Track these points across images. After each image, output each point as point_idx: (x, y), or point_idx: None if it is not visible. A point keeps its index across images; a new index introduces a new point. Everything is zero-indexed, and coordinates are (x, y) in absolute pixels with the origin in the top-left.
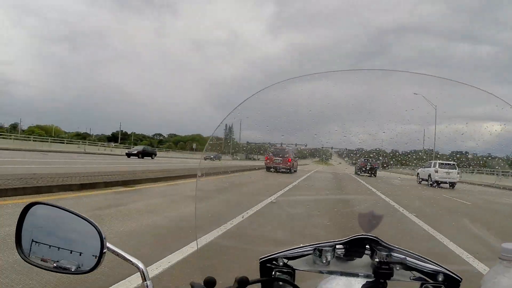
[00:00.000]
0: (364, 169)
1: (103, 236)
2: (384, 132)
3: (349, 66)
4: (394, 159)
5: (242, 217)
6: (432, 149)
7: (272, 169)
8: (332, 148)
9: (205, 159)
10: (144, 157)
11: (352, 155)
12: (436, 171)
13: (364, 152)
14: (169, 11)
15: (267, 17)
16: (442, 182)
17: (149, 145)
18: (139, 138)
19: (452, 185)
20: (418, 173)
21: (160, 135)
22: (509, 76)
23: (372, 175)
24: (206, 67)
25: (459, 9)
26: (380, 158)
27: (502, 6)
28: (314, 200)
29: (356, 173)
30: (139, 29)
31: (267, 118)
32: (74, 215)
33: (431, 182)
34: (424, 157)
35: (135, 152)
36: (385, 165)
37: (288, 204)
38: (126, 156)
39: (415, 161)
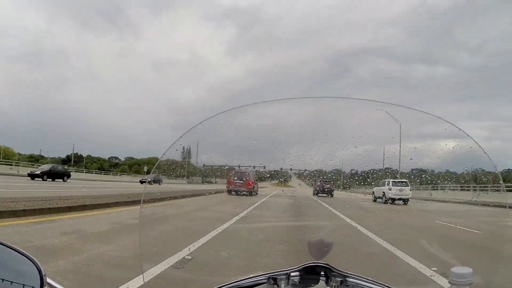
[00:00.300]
0: (321, 190)
1: (43, 272)
2: (343, 153)
3: (310, 88)
4: (354, 179)
5: (194, 246)
6: (390, 168)
7: (233, 192)
8: (291, 169)
9: (141, 182)
10: (55, 179)
11: (311, 176)
12: (390, 189)
13: (323, 172)
14: (132, 32)
15: (228, 40)
16: (396, 199)
17: (62, 164)
18: (94, 161)
19: (405, 201)
20: (373, 192)
21: (116, 158)
22: (464, 95)
23: (329, 195)
24: (167, 89)
25: (417, 32)
26: (341, 178)
27: (457, 29)
28: (270, 227)
29: (314, 194)
30: (101, 50)
31: (225, 141)
32: (9, 248)
33: (385, 199)
34: (383, 175)
35: (39, 172)
36: (346, 186)
37: (244, 231)
38: (30, 178)
39: (375, 180)
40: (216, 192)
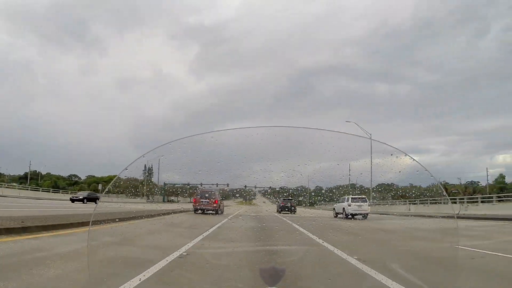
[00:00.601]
0: (284, 207)
1: None
2: (305, 170)
3: (275, 106)
4: (320, 196)
5: (146, 275)
6: (354, 184)
7: (199, 211)
8: (255, 187)
9: (72, 200)
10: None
11: (275, 193)
12: (349, 205)
13: (287, 189)
14: (97, 49)
15: (192, 59)
16: (355, 214)
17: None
18: (52, 179)
19: (365, 216)
20: (334, 208)
21: (75, 176)
22: (425, 111)
23: (292, 212)
24: (131, 106)
25: (378, 52)
26: (306, 195)
27: (417, 49)
28: (231, 252)
29: (277, 211)
30: (65, 65)
31: (188, 162)
32: None
33: (345, 215)
34: (347, 191)
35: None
36: (312, 202)
37: (201, 258)
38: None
39: (341, 196)
40: (176, 212)
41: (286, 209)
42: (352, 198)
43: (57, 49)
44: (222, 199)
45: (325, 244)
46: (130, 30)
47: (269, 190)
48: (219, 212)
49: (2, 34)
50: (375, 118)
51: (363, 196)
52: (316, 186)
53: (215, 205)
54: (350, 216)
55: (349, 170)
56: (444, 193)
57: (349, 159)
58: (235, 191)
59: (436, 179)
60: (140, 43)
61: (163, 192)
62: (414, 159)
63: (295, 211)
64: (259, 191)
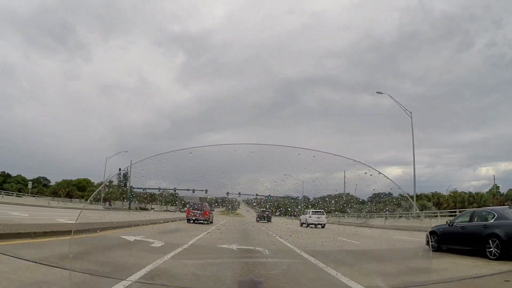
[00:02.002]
0: (262, 217)
1: None
2: (287, 183)
3: (259, 115)
4: (302, 205)
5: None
6: (344, 193)
7: (191, 221)
8: (239, 194)
9: None
10: None
11: (260, 203)
12: (310, 217)
13: (272, 198)
14: (81, 54)
15: (177, 66)
16: (315, 224)
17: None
18: (18, 181)
19: (323, 225)
20: (300, 219)
21: (45, 178)
22: (405, 124)
23: (268, 221)
24: (113, 113)
25: (362, 63)
26: (289, 208)
27: (401, 60)
28: (212, 264)
29: (256, 220)
30: (48, 69)
31: (172, 172)
32: None
33: (307, 224)
34: (337, 201)
35: None
36: (294, 214)
37: (185, 268)
38: None
39: (336, 205)
40: (158, 222)
41: (263, 219)
42: (312, 211)
43: (40, 53)
44: (211, 211)
45: (305, 255)
46: (115, 36)
47: (253, 200)
48: (209, 221)
49: None
50: (358, 130)
51: (321, 210)
52: (304, 196)
53: (206, 215)
54: (312, 226)
55: (323, 186)
56: (414, 208)
57: (326, 174)
58: (218, 200)
59: (406, 193)
60: (125, 50)
61: (130, 197)
62: (388, 178)
63: (270, 220)
64: (243, 201)
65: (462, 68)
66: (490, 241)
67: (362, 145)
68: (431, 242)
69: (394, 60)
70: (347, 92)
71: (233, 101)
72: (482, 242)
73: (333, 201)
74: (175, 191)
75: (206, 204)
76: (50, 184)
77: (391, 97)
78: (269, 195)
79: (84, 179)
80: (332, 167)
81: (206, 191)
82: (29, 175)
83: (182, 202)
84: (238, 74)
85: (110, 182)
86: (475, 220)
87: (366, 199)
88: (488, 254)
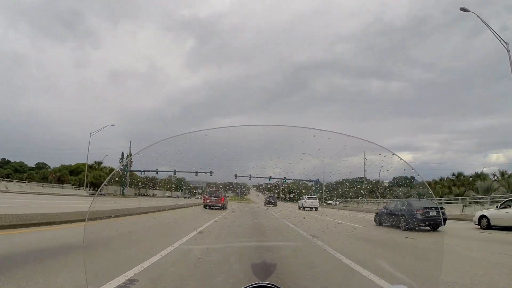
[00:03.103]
0: (269, 202)
1: None
2: (298, 166)
3: (268, 100)
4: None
5: (142, 266)
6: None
7: (207, 206)
8: (250, 177)
9: None
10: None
11: (269, 189)
12: (305, 202)
13: (286, 183)
14: (90, 40)
15: (187, 52)
16: (309, 207)
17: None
18: (15, 168)
19: (316, 208)
20: (298, 203)
21: (45, 164)
22: (415, 109)
23: (274, 205)
24: (123, 99)
25: (371, 48)
26: (286, 192)
27: (411, 46)
28: (225, 247)
29: (264, 205)
30: (58, 57)
31: (181, 157)
32: None
33: (303, 208)
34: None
35: None
36: (294, 198)
37: (195, 251)
38: None
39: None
40: (168, 209)
41: (270, 203)
42: (307, 197)
43: (49, 41)
44: (226, 197)
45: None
46: (124, 21)
47: (264, 185)
48: (225, 207)
49: None
50: (366, 115)
51: (315, 196)
52: (317, 180)
53: (222, 202)
54: (308, 209)
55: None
56: (430, 191)
57: (341, 157)
58: (227, 185)
59: (422, 177)
60: (134, 36)
61: (123, 182)
62: (401, 159)
63: (276, 205)
64: (253, 186)
65: (473, 54)
66: None
67: (371, 130)
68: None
69: (404, 46)
70: (356, 77)
71: (242, 86)
72: None
73: (349, 186)
74: (175, 173)
75: (221, 191)
76: (49, 170)
77: (481, 19)
78: (285, 178)
79: (82, 164)
80: (349, 151)
81: (211, 173)
82: (31, 162)
83: (189, 187)
84: (248, 59)
85: (122, 168)
86: None
87: (386, 184)
88: None
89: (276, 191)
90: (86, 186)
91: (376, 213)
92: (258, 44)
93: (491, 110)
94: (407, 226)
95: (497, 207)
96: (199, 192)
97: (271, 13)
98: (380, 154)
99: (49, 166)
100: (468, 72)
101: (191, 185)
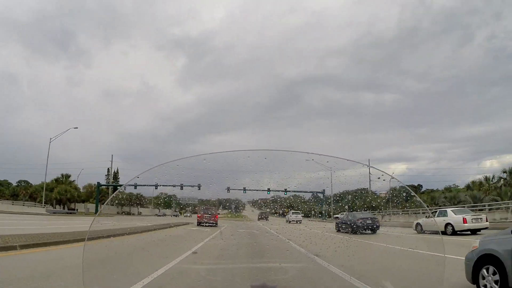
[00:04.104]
0: (261, 217)
1: None
2: (290, 183)
3: (262, 115)
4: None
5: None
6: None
7: (202, 224)
8: (245, 190)
9: None
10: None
11: (266, 204)
12: (291, 216)
13: (278, 198)
14: (83, 59)
15: (179, 70)
16: (294, 221)
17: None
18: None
19: (300, 222)
20: (286, 218)
21: (26, 182)
22: (412, 120)
23: (266, 220)
24: (116, 118)
25: (363, 61)
26: (276, 207)
27: (402, 57)
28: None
29: (258, 219)
30: (50, 76)
31: (180, 180)
32: None
33: (289, 221)
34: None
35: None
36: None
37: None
38: None
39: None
40: (162, 227)
41: (263, 218)
42: (293, 212)
43: (42, 60)
44: (218, 213)
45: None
46: (116, 41)
47: (258, 200)
48: (217, 224)
49: None
50: (359, 128)
51: (299, 211)
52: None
53: (216, 219)
54: (293, 222)
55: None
56: (424, 205)
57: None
58: (222, 201)
59: (417, 197)
60: (126, 55)
61: (97, 198)
62: (399, 182)
63: (267, 219)
64: (248, 201)
65: (463, 62)
66: None
67: (366, 142)
68: None
69: (396, 57)
70: (349, 90)
71: (237, 103)
72: None
73: (351, 199)
74: (156, 188)
75: (214, 209)
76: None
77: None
78: (286, 189)
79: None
80: (344, 171)
81: (199, 186)
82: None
83: (180, 205)
84: (240, 75)
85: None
86: None
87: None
88: None
89: (273, 206)
90: (46, 203)
91: (336, 223)
92: (251, 60)
93: (484, 116)
94: (352, 231)
95: (426, 217)
96: (189, 210)
97: (262, 28)
98: (378, 178)
99: (31, 183)
100: (460, 80)
101: (181, 202)
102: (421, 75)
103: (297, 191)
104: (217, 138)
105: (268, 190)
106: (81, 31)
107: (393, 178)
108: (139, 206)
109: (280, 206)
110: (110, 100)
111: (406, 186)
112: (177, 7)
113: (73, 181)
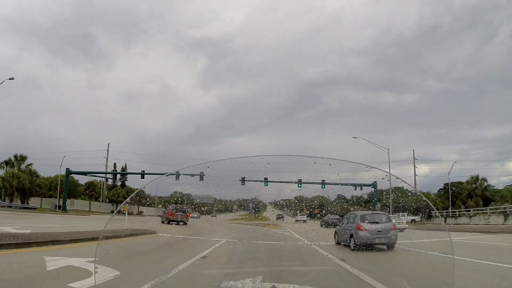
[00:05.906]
0: (278, 217)
1: None
2: (309, 188)
3: (281, 117)
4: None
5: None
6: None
7: (172, 222)
8: (266, 180)
9: None
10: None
11: (288, 205)
12: (298, 217)
13: (304, 199)
14: (104, 62)
15: (199, 71)
16: (300, 221)
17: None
18: None
19: (305, 221)
20: (295, 218)
21: None
22: (432, 120)
23: (282, 219)
24: (136, 120)
25: (383, 61)
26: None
27: (423, 56)
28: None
29: (276, 220)
30: (72, 79)
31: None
32: None
33: (296, 221)
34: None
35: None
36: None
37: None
38: None
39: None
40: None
41: (279, 218)
42: (300, 214)
43: (63, 63)
44: (188, 212)
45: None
46: (136, 43)
47: (281, 202)
48: (187, 223)
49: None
50: (379, 129)
51: (305, 214)
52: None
53: (186, 217)
54: (300, 221)
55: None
56: (434, 210)
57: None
58: (237, 202)
59: (427, 201)
60: (146, 57)
61: (66, 190)
62: (405, 182)
63: (283, 219)
64: (270, 203)
65: (485, 60)
66: None
67: (386, 143)
68: None
69: (416, 56)
70: (368, 90)
71: (257, 103)
72: None
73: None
74: (143, 177)
75: (186, 208)
76: None
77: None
78: (323, 181)
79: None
80: (361, 177)
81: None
82: None
83: (194, 203)
84: (259, 76)
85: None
86: None
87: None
88: None
89: (299, 205)
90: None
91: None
92: (270, 61)
93: (507, 115)
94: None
95: None
96: (204, 211)
97: (281, 29)
98: (383, 179)
99: None
100: (481, 79)
101: (196, 200)
102: (442, 75)
103: (337, 183)
104: (235, 139)
105: (300, 181)
106: (101, 34)
107: (406, 182)
108: (139, 206)
109: (306, 206)
110: (130, 102)
111: (420, 193)
112: (196, 10)
113: (30, 164)
